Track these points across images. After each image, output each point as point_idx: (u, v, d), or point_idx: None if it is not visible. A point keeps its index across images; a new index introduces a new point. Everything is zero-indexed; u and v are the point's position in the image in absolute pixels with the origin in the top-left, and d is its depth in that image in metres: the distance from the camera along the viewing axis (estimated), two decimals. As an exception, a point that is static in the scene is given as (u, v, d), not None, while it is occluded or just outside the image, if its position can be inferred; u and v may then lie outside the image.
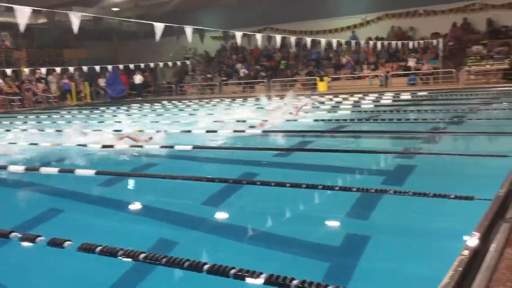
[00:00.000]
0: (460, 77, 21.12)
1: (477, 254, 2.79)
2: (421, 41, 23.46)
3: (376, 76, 23.66)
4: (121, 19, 11.50)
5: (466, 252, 2.76)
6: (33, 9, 7.74)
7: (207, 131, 9.80)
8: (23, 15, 7.52)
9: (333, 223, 4.53)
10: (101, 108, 21.29)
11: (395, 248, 3.78)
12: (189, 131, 9.85)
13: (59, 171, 6.65)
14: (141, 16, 20.70)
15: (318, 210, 4.93)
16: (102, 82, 27.65)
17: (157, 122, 13.31)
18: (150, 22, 9.44)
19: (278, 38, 14.25)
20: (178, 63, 29.15)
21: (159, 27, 9.28)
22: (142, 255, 3.31)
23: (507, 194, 3.82)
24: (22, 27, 7.77)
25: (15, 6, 7.52)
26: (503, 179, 4.26)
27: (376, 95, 18.38)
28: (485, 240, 2.97)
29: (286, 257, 3.73)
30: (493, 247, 2.77)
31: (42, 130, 12.62)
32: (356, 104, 15.49)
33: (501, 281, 2.36)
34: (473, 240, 2.95)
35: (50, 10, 8.81)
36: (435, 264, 3.27)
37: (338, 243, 3.99)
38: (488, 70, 21.00)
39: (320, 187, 4.98)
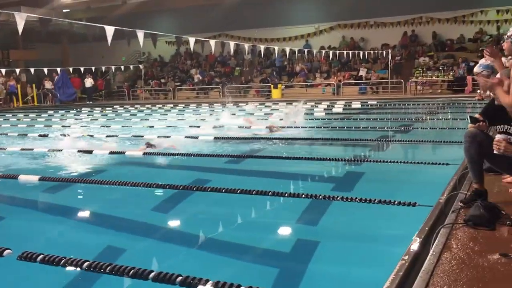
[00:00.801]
0: (408, 87, 21.90)
1: (417, 259, 2.89)
2: (372, 52, 24.17)
3: (329, 84, 24.14)
4: (71, 21, 11.18)
5: (406, 257, 2.85)
6: (-25, 8, 7.38)
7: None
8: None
9: (283, 229, 4.57)
10: (49, 112, 20.59)
11: (342, 253, 3.86)
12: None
13: (0, 177, 6.38)
14: (93, 19, 20.25)
15: (268, 216, 4.97)
16: (48, 84, 26.64)
17: (108, 126, 13.03)
18: (101, 25, 9.23)
19: (231, 44, 14.27)
20: (131, 67, 28.63)
21: (110, 30, 9.09)
22: (86, 264, 3.23)
23: (447, 200, 3.98)
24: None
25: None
26: (444, 187, 4.43)
27: (328, 103, 18.75)
28: (425, 245, 3.09)
29: (235, 264, 3.73)
30: (432, 251, 2.87)
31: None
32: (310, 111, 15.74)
33: (438, 285, 2.46)
34: (413, 245, 3.05)
35: (-6, 10, 8.46)
36: (379, 269, 3.36)
37: (288, 249, 4.03)
38: (434, 81, 21.90)
39: (270, 193, 5.02)
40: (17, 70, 23.83)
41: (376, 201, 4.52)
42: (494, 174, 4.57)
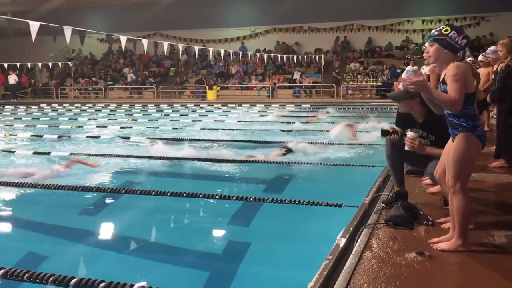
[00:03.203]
0: (339, 91, 22.61)
1: (341, 258, 2.98)
2: (305, 56, 24.73)
3: (264, 87, 24.41)
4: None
5: (331, 257, 2.93)
6: None
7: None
8: None
9: (214, 231, 4.56)
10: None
11: (272, 254, 3.90)
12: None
13: None
14: (19, 13, 19.18)
15: (199, 218, 4.94)
16: None
17: (34, 126, 12.41)
18: (25, 20, 8.75)
19: (165, 44, 14.05)
20: (60, 64, 27.40)
21: (34, 25, 8.65)
22: (2, 271, 3.04)
23: (371, 201, 4.14)
24: None
25: None
26: (369, 188, 4.61)
27: (263, 105, 18.96)
28: (350, 244, 3.19)
29: (165, 268, 3.67)
30: (354, 251, 2.97)
31: None
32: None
33: (358, 283, 2.55)
34: (338, 245, 3.15)
35: None
36: (306, 269, 3.42)
37: (219, 250, 4.03)
38: (363, 86, 22.79)
39: (201, 195, 4.99)
40: None
41: (304, 202, 4.61)
42: (415, 176, 4.82)
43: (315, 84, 23.93)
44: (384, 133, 4.06)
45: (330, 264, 2.82)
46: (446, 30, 2.91)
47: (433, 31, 3.03)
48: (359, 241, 3.13)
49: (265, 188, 5.59)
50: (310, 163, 6.67)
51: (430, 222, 3.43)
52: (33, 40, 8.70)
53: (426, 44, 3.07)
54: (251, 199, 4.83)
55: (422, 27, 24.55)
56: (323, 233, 4.22)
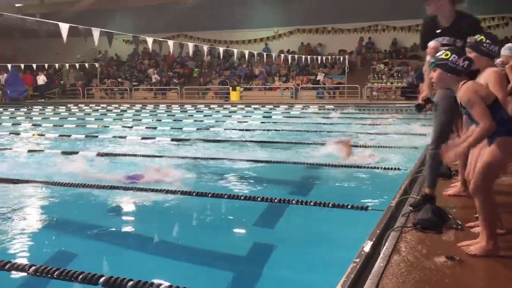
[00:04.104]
0: (363, 92, 22.41)
1: (368, 261, 2.95)
2: (329, 57, 24.59)
3: (287, 88, 24.37)
4: (24, 16, 10.77)
5: (358, 260, 2.91)
6: None
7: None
8: None
9: (239, 233, 4.57)
10: (-2, 109, 19.78)
11: (297, 256, 3.88)
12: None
13: None
14: (47, 14, 19.61)
15: (224, 219, 4.95)
16: None
17: (61, 126, 12.65)
18: (56, 22, 8.94)
19: (190, 45, 14.16)
20: (86, 65, 27.89)
21: (64, 27, 8.83)
22: (33, 268, 3.11)
23: (398, 204, 4.09)
24: None
25: None
26: (395, 191, 4.55)
27: (286, 106, 18.94)
28: (376, 248, 3.16)
29: (190, 268, 3.69)
30: (382, 254, 2.94)
31: None
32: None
33: (387, 287, 2.52)
34: (365, 248, 3.12)
35: None
36: (332, 271, 3.40)
37: (243, 252, 4.03)
38: (388, 87, 22.53)
39: (226, 196, 5.01)
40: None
41: (330, 205, 4.59)
42: (443, 179, 4.74)
43: (339, 85, 23.79)
44: (419, 107, 4.00)
45: (358, 267, 2.80)
46: (446, 55, 3.00)
47: (433, 57, 3.14)
48: (386, 244, 3.09)
49: (291, 190, 5.57)
50: (336, 165, 6.63)
51: (459, 226, 3.37)
52: (64, 41, 8.88)
53: (425, 68, 3.18)
54: (276, 200, 4.83)
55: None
56: (349, 236, 4.18)
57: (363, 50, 26.17)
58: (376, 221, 3.72)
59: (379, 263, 2.80)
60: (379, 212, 4.01)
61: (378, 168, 6.39)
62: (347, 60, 23.30)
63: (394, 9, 24.42)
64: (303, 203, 4.70)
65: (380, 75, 23.25)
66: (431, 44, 3.73)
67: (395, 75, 22.96)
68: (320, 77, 24.49)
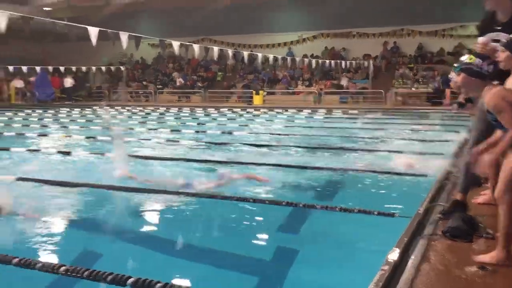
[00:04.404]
0: (388, 97, 22.17)
1: (396, 269, 2.92)
2: (353, 61, 24.43)
3: (310, 92, 24.30)
4: (54, 20, 11.03)
5: (386, 267, 2.88)
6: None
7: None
8: None
9: (263, 237, 4.57)
10: (26, 111, 20.22)
11: (322, 262, 3.86)
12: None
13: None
14: (74, 19, 19.97)
15: (248, 223, 4.95)
16: (18, 83, 26.13)
17: (88, 128, 12.87)
18: (85, 26, 9.14)
19: (215, 49, 14.26)
20: (112, 68, 28.35)
21: (94, 31, 9.01)
22: (63, 268, 3.16)
23: (425, 211, 4.03)
24: None
25: None
26: (422, 198, 4.49)
27: (309, 110, 18.88)
28: (404, 255, 3.12)
29: (215, 271, 3.71)
30: (411, 262, 2.90)
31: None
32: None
33: (416, 296, 2.49)
34: (393, 256, 3.08)
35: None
36: (358, 279, 3.37)
37: (268, 256, 4.03)
38: (413, 93, 22.24)
39: (251, 199, 5.02)
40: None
41: (355, 210, 4.55)
42: (473, 188, 4.65)
43: (363, 90, 23.60)
44: (461, 105, 3.96)
45: (386, 275, 2.77)
46: (470, 59, 2.98)
47: (458, 61, 3.11)
48: (415, 252, 3.05)
49: (316, 195, 5.54)
50: (362, 170, 6.58)
51: (490, 235, 3.30)
52: (94, 45, 9.05)
53: (453, 74, 3.13)
54: (301, 205, 4.81)
55: (476, 33, 23.70)
56: (375, 243, 4.13)
57: (388, 54, 25.93)
58: (403, 228, 3.67)
59: (408, 272, 2.77)
60: (406, 219, 3.96)
61: (404, 174, 6.31)
62: (371, 65, 23.11)
63: (420, 14, 24.12)
64: (328, 208, 4.67)
65: (405, 80, 22.99)
66: (481, 39, 3.63)
67: (420, 80, 22.66)
68: (343, 81, 24.34)
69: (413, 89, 22.36)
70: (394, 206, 4.93)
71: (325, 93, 23.75)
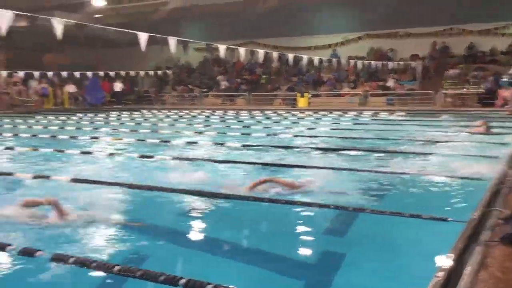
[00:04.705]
0: (437, 99, 21.55)
1: (452, 276, 2.82)
2: (401, 62, 23.93)
3: (356, 94, 23.98)
4: (107, 27, 11.45)
5: (441, 274, 2.79)
6: (16, 13, 7.62)
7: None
8: (4, 18, 7.39)
9: (310, 240, 4.53)
10: (78, 114, 21.01)
11: (370, 267, 3.79)
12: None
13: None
14: (123, 24, 20.60)
15: (296, 226, 4.93)
16: (70, 88, 27.18)
17: (136, 131, 13.22)
18: (135, 32, 9.42)
19: (261, 52, 14.34)
20: (159, 72, 29.03)
21: (143, 36, 9.26)
22: (117, 268, 3.25)
23: (481, 217, 3.88)
24: (3, 30, 7.61)
25: (-4, 9, 7.40)
26: (476, 202, 4.33)
27: (355, 113, 18.63)
28: (460, 262, 3.01)
29: (262, 273, 3.71)
30: (468, 269, 2.80)
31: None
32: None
33: (475, 304, 2.40)
34: (447, 262, 2.98)
35: (32, 15, 8.73)
36: (408, 284, 3.29)
37: (313, 260, 4.00)
38: (464, 94, 21.51)
39: (299, 203, 4.99)
40: (50, 73, 24.47)
41: (406, 214, 4.44)
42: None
43: (410, 92, 23.05)
44: None
45: (441, 282, 2.68)
46: None
47: (505, 76, 2.92)
48: (471, 259, 2.94)
49: (365, 198, 5.45)
50: (412, 174, 6.43)
51: (552, 243, 3.14)
52: (143, 50, 9.31)
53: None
54: (350, 208, 4.74)
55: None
56: (426, 248, 4.02)
57: (437, 55, 25.20)
58: (456, 233, 3.55)
59: (464, 279, 2.67)
60: (460, 223, 3.83)
61: (458, 177, 6.11)
62: (419, 66, 22.55)
63: (470, 12, 23.33)
64: (378, 212, 4.58)
65: (455, 81, 22.27)
66: None
67: (471, 81, 21.90)
68: (390, 83, 23.88)
69: (464, 90, 21.62)
70: (446, 210, 4.80)
71: (371, 95, 23.37)
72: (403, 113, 18.09)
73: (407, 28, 25.75)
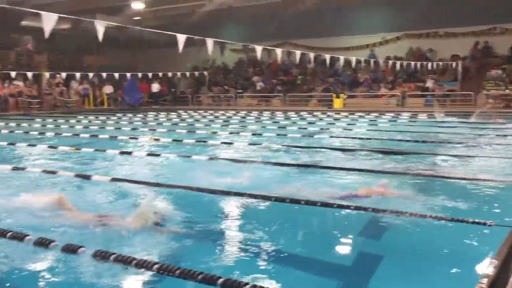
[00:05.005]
0: (478, 100, 20.94)
1: (496, 284, 2.74)
2: (440, 63, 23.37)
3: (393, 95, 23.58)
4: (148, 29, 11.66)
5: (485, 281, 2.71)
6: (59, 16, 7.88)
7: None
8: (49, 21, 7.67)
9: (348, 243, 4.49)
10: (117, 114, 21.50)
11: (410, 273, 3.72)
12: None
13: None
14: (161, 27, 20.98)
15: (332, 228, 4.89)
16: (108, 89, 27.84)
17: (174, 131, 13.43)
18: (174, 33, 9.58)
19: (297, 53, 14.31)
20: (196, 73, 29.38)
21: (181, 38, 9.41)
22: (156, 266, 3.31)
23: (527, 222, 3.76)
24: (47, 33, 7.89)
25: (42, 12, 7.67)
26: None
27: (392, 114, 18.32)
28: (504, 268, 2.92)
29: (297, 275, 3.70)
30: (513, 276, 2.72)
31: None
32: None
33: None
34: (491, 268, 2.90)
35: (76, 18, 9.01)
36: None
37: (353, 263, 3.95)
38: (506, 95, 20.82)
39: (335, 205, 4.95)
40: (90, 75, 25.17)
41: (448, 218, 4.34)
42: None
43: (450, 93, 22.49)
44: None
45: (486, 288, 2.61)
46: None
47: None
48: (518, 265, 2.85)
49: (404, 201, 5.35)
50: (453, 177, 6.28)
51: None
52: (180, 51, 9.46)
53: None
54: (388, 211, 4.66)
55: None
56: (469, 254, 3.92)
57: (479, 55, 24.49)
58: (500, 239, 3.45)
59: (510, 286, 2.59)
60: (504, 228, 3.72)
61: (500, 181, 5.93)
62: (460, 66, 21.97)
63: (513, 10, 22.60)
64: (419, 216, 4.49)
65: (497, 82, 21.58)
66: None
67: (514, 81, 21.19)
68: (429, 83, 23.35)
69: (507, 91, 20.92)
70: (490, 215, 4.66)
71: (409, 96, 22.93)
72: (442, 114, 17.65)
73: (447, 28, 25.12)
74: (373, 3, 26.26)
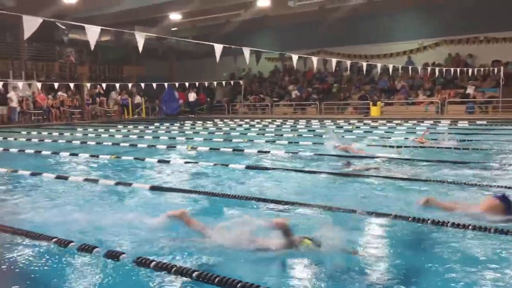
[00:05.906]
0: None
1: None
2: (481, 69, 22.77)
3: (432, 102, 23.10)
4: (186, 40, 11.90)
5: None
6: (102, 28, 8.18)
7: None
8: (93, 34, 7.98)
9: (386, 252, 4.41)
10: (155, 124, 21.90)
11: (450, 283, 3.62)
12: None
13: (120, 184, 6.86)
14: (197, 37, 21.31)
15: (374, 239, 4.82)
16: (136, 99, 28.30)
17: (211, 140, 13.57)
18: (211, 43, 9.74)
19: (333, 61, 14.25)
20: (232, 82, 29.68)
21: (218, 47, 9.56)
22: (195, 273, 3.35)
23: None
24: (92, 45, 8.21)
25: (86, 26, 7.98)
26: None
27: (431, 122, 17.95)
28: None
29: (334, 283, 3.66)
30: None
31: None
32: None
33: None
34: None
35: (118, 30, 9.32)
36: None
37: (392, 274, 3.88)
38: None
39: (374, 214, 4.88)
40: (129, 85, 25.81)
41: (491, 230, 4.21)
42: None
43: (492, 99, 21.84)
44: None
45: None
46: None
47: None
48: None
49: (443, 212, 5.22)
50: (493, 186, 6.09)
51: None
52: (217, 61, 9.60)
53: None
54: (428, 221, 4.57)
55: None
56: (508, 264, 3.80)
57: (522, 60, 23.72)
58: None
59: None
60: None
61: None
62: (502, 72, 21.33)
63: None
64: (460, 227, 4.37)
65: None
66: None
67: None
68: (470, 90, 22.76)
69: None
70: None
71: (449, 103, 22.41)
72: (484, 122, 17.19)
73: (488, 33, 24.46)
74: (410, 8, 25.88)
